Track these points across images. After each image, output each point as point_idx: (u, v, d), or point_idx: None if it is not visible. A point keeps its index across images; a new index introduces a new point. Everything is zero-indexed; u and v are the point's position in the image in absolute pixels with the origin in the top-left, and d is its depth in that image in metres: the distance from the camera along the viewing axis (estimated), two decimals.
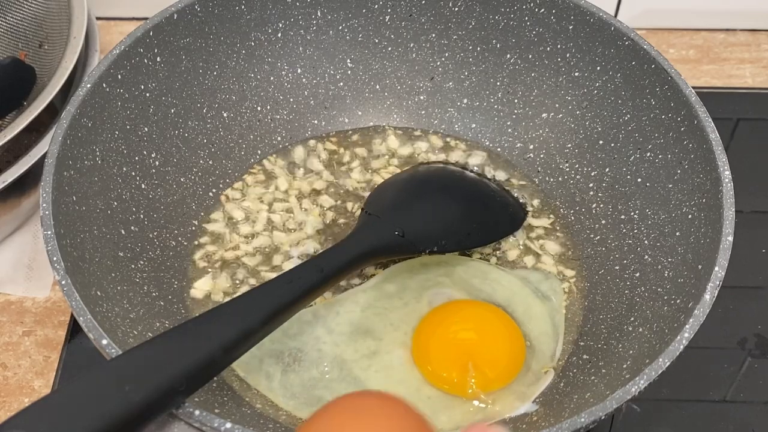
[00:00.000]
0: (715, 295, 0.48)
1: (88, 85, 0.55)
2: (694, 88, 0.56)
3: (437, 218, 0.60)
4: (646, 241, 0.58)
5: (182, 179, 0.62)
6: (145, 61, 0.59)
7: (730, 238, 0.50)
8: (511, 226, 0.63)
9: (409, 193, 0.62)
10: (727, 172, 0.53)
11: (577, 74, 0.63)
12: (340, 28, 0.66)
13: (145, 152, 0.60)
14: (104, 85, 0.56)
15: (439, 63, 0.67)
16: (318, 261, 0.53)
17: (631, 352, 0.52)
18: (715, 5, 0.82)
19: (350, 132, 0.68)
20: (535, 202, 0.65)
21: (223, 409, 0.51)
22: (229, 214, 0.63)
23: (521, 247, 0.62)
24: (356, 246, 0.55)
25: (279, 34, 0.65)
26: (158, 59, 0.60)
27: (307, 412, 0.53)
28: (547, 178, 0.65)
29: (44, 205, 0.50)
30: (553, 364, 0.57)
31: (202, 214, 0.63)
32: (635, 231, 0.59)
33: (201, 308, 0.58)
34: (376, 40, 0.67)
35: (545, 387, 0.55)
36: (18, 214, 0.65)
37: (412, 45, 0.67)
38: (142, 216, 0.59)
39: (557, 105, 0.65)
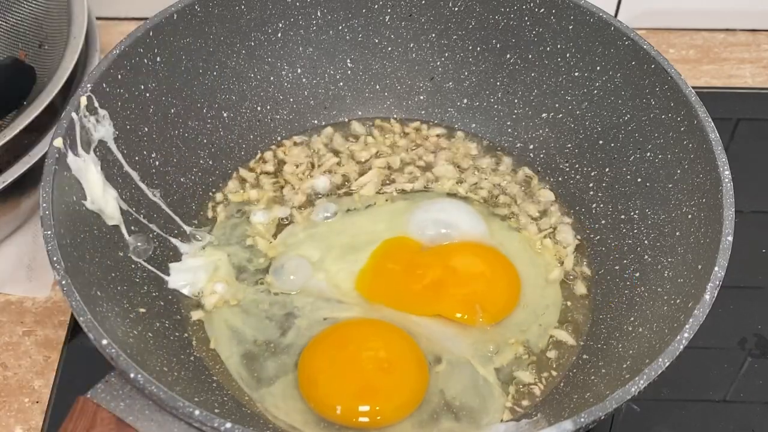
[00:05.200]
0: (715, 295, 0.48)
1: (88, 85, 0.55)
2: (694, 88, 0.56)
3: None
4: (646, 241, 0.58)
5: (182, 179, 0.62)
6: (145, 61, 0.59)
7: (730, 238, 0.50)
8: None
9: None
10: (727, 172, 0.53)
11: (577, 74, 0.63)
12: (340, 28, 0.66)
13: (145, 152, 0.60)
14: (104, 85, 0.56)
15: (439, 63, 0.67)
16: None
17: (631, 352, 0.52)
18: (715, 5, 0.82)
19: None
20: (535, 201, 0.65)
21: (223, 409, 0.51)
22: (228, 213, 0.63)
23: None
24: None
25: (279, 34, 0.65)
26: (158, 59, 0.60)
27: None
28: (547, 178, 0.65)
29: (44, 205, 0.50)
30: (521, 338, 0.57)
31: (202, 213, 0.63)
32: (635, 231, 0.59)
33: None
34: (376, 40, 0.67)
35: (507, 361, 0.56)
36: (18, 214, 0.65)
37: (412, 45, 0.67)
38: (142, 216, 0.59)
39: (557, 105, 0.65)
